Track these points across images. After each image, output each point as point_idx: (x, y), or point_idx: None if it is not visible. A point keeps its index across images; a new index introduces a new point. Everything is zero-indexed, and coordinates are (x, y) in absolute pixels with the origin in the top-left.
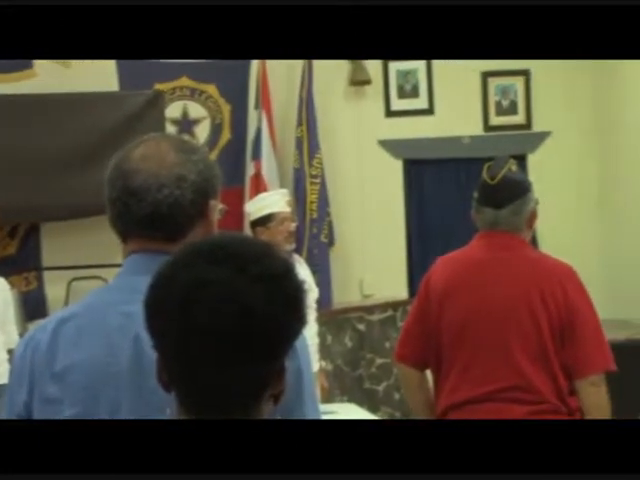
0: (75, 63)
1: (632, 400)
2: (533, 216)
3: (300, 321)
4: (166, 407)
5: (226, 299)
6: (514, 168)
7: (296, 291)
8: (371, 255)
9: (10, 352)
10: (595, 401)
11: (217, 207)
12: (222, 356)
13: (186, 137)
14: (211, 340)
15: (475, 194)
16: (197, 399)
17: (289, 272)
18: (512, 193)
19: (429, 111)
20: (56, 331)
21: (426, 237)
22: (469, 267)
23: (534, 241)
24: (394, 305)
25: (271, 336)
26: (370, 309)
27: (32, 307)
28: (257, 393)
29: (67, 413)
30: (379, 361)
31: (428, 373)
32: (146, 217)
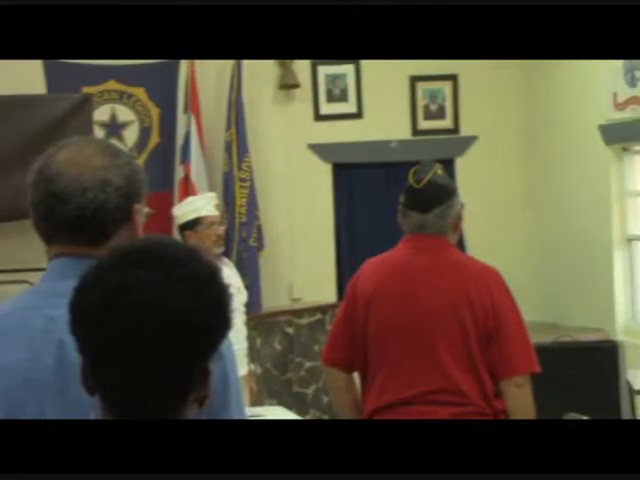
0: (1, 65)
1: (558, 401)
2: (459, 220)
3: (225, 325)
4: (90, 411)
5: (150, 302)
6: (440, 172)
7: (221, 294)
8: (300, 259)
9: None
10: (520, 402)
11: (142, 211)
12: (146, 359)
13: (114, 141)
14: (135, 343)
15: (401, 198)
16: (121, 403)
17: (214, 275)
18: (438, 197)
19: (358, 115)
20: None
21: (355, 241)
22: (395, 270)
23: (461, 244)
24: (323, 309)
25: (195, 339)
26: (299, 313)
27: None
28: (181, 397)
29: None
30: (308, 364)
31: (356, 376)
32: (70, 221)
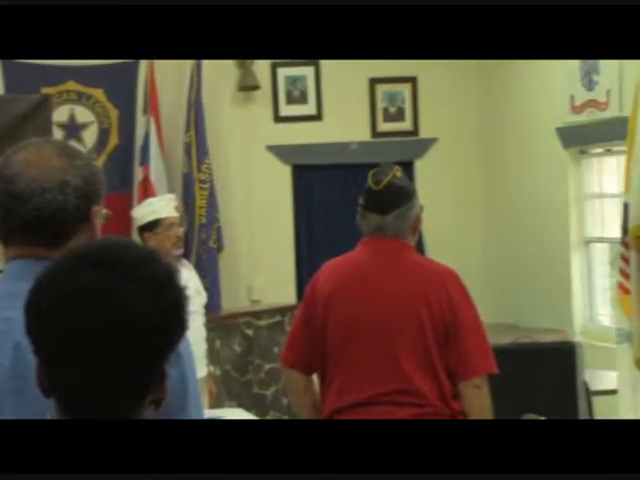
0: None
1: (515, 402)
2: (418, 221)
3: (182, 326)
4: (46, 413)
5: (106, 304)
6: (399, 174)
7: (178, 296)
8: (260, 260)
9: None
10: (477, 403)
11: (101, 212)
12: (101, 361)
13: (72, 142)
14: (90, 345)
15: (360, 200)
16: (76, 405)
17: (171, 277)
18: (397, 199)
19: (317, 117)
20: None
21: (314, 242)
22: (354, 272)
23: (420, 246)
24: (282, 310)
25: (151, 341)
26: (258, 314)
27: None
28: (137, 398)
29: None
30: (267, 366)
31: (315, 377)
32: (28, 222)
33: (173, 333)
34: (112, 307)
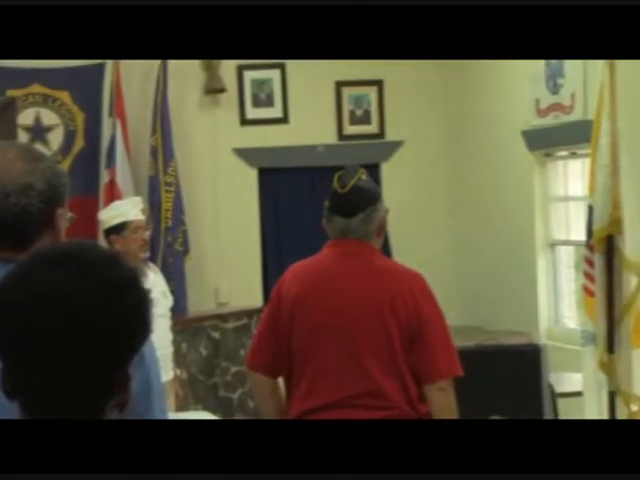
0: None
1: (481, 405)
2: (383, 224)
3: (145, 329)
4: (10, 415)
5: (69, 306)
6: (364, 177)
7: (141, 299)
8: (226, 263)
9: None
10: (443, 405)
11: (65, 215)
12: (64, 363)
13: (38, 145)
14: (53, 347)
15: (326, 203)
16: (39, 407)
17: (134, 280)
18: (362, 202)
19: (284, 120)
20: None
21: (281, 245)
22: (320, 275)
23: (386, 249)
24: (249, 313)
25: (114, 344)
26: (225, 317)
27: None
28: (101, 402)
29: None
30: (234, 369)
31: (281, 381)
32: None
33: (136, 336)
34: (75, 310)
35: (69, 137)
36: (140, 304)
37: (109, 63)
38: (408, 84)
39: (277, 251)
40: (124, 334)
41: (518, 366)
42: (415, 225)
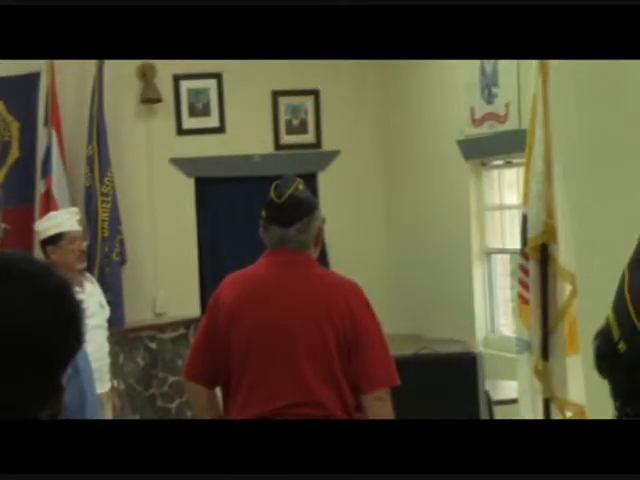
0: None
1: (418, 413)
2: (320, 233)
3: (77, 340)
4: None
5: (1, 315)
6: (301, 187)
7: (74, 310)
8: (163, 273)
9: None
10: (380, 415)
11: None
12: None
13: None
14: None
15: (263, 212)
16: None
17: (66, 291)
18: (299, 211)
19: (220, 129)
20: None
21: (218, 254)
22: (257, 285)
23: (323, 258)
24: (186, 323)
25: (46, 355)
26: (162, 327)
27: None
28: (33, 412)
29: None
30: (171, 379)
31: (218, 390)
32: None
33: (68, 347)
34: (6, 319)
35: (4, 147)
36: (72, 315)
37: (44, 73)
38: (344, 93)
39: (214, 261)
40: (56, 345)
41: (455, 374)
42: (352, 234)
